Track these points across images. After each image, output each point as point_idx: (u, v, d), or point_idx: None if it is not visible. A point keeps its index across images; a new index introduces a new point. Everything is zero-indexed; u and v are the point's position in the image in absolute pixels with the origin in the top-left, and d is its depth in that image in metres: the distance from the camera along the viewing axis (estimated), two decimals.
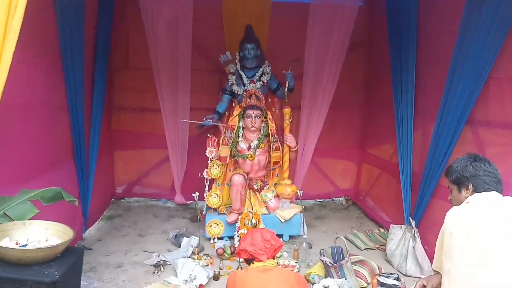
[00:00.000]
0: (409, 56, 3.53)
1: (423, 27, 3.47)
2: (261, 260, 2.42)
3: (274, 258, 2.53)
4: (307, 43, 4.23)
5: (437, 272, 1.89)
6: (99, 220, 4.20)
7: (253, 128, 3.75)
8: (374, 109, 4.69)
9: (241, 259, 2.62)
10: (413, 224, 3.30)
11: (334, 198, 5.13)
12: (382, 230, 4.05)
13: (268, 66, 4.06)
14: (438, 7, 3.33)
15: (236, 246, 3.49)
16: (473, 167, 1.84)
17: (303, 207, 3.86)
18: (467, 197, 1.83)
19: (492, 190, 1.80)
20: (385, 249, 3.52)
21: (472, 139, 2.94)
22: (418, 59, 3.49)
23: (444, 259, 1.72)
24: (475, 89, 2.79)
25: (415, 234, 3.25)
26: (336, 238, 3.08)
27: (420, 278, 3.07)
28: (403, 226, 3.41)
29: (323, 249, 2.98)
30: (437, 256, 1.83)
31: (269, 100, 4.13)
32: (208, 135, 3.82)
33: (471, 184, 1.84)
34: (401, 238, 3.34)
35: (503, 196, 1.79)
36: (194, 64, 4.31)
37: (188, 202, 4.65)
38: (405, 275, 3.19)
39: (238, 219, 3.66)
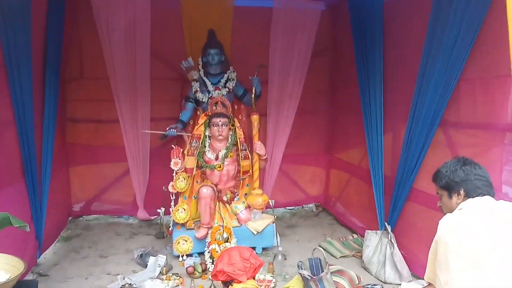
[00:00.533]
0: (375, 59, 3.50)
1: (389, 28, 3.46)
2: (240, 281, 2.24)
3: (254, 278, 2.35)
4: (271, 48, 4.18)
5: (429, 284, 1.78)
6: (55, 241, 3.91)
7: (220, 137, 3.61)
8: (341, 114, 4.67)
9: (218, 282, 2.41)
10: (389, 229, 3.24)
11: (304, 205, 5.08)
12: (356, 236, 3.99)
13: (233, 72, 3.97)
14: (405, 6, 3.31)
15: (207, 262, 3.31)
16: (464, 171, 1.76)
17: (275, 216, 3.72)
18: (459, 203, 1.75)
19: (484, 195, 1.72)
20: (361, 256, 3.44)
21: (444, 141, 2.93)
22: (385, 61, 3.47)
23: (439, 270, 1.62)
24: (446, 90, 2.78)
25: (392, 240, 3.19)
26: (314, 249, 2.94)
27: (400, 285, 3.03)
28: (378, 231, 3.35)
29: (301, 262, 2.84)
30: (430, 267, 1.73)
31: (236, 107, 4.04)
32: (172, 146, 3.65)
33: (462, 189, 1.75)
34: (377, 244, 3.27)
35: (496, 200, 1.72)
36: (153, 72, 4.16)
37: (152, 218, 4.47)
38: (384, 283, 3.12)
39: (208, 233, 3.48)
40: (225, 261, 2.28)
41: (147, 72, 4.10)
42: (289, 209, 4.98)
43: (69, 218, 4.48)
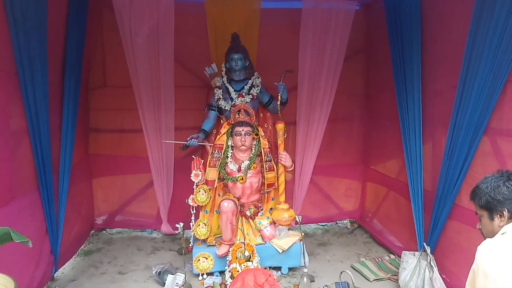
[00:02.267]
0: (413, 60, 3.37)
1: (428, 26, 3.30)
2: None
3: None
4: (301, 51, 4.03)
5: None
6: (75, 256, 3.90)
7: (243, 147, 3.52)
8: (377, 121, 4.54)
9: None
10: (428, 250, 3.00)
11: (337, 221, 4.93)
12: (392, 256, 3.77)
13: (258, 78, 3.91)
14: (444, 2, 3.13)
15: (228, 283, 3.17)
16: (508, 187, 1.54)
17: (302, 234, 3.55)
18: (502, 225, 1.52)
19: None
20: (397, 280, 3.21)
21: (491, 151, 2.68)
22: (423, 62, 3.32)
23: None
24: (492, 93, 2.54)
25: (431, 263, 2.94)
26: (341, 272, 2.74)
27: None
28: (416, 253, 3.13)
29: (326, 286, 2.65)
30: None
31: (261, 115, 3.98)
32: (193, 156, 3.56)
33: (506, 210, 1.53)
34: (415, 267, 3.03)
35: None
36: (177, 80, 4.11)
37: (176, 232, 4.35)
38: None
39: (229, 251, 3.35)
40: (237, 286, 2.14)
41: (171, 79, 4.05)
42: (321, 225, 4.83)
43: (92, 231, 4.51)
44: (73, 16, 3.44)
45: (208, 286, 3.16)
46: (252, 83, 3.84)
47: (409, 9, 3.38)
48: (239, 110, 3.61)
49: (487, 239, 1.52)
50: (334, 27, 3.99)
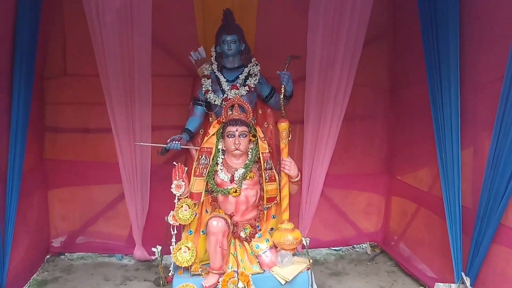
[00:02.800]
0: (449, 45, 3.40)
1: (468, 5, 3.34)
2: None
3: None
4: (310, 33, 4.07)
5: None
6: (25, 287, 3.88)
7: (237, 152, 3.52)
8: (405, 120, 4.59)
9: None
10: (468, 282, 3.02)
11: (355, 245, 4.96)
12: None
13: (257, 65, 3.95)
14: None
15: None
16: None
17: (311, 261, 3.54)
18: None
19: None
20: None
21: None
22: (462, 48, 3.38)
23: None
24: None
25: None
26: None
27: None
28: (453, 285, 3.15)
29: None
30: None
31: (259, 111, 4.03)
32: (175, 163, 3.55)
33: None
34: None
35: None
36: (156, 67, 4.13)
37: (153, 258, 4.45)
38: None
39: (218, 282, 3.34)
40: None
41: (148, 66, 4.06)
42: (335, 250, 4.85)
43: (47, 256, 4.50)
44: None
45: None
46: (249, 71, 3.86)
47: None
48: (232, 105, 3.59)
49: None
50: (351, 4, 3.99)
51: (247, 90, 3.81)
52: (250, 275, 3.36)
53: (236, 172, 3.54)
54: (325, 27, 3.99)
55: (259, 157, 3.59)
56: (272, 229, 3.66)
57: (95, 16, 3.83)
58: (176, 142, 3.67)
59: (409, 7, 3.92)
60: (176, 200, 3.50)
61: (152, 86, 4.11)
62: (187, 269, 3.48)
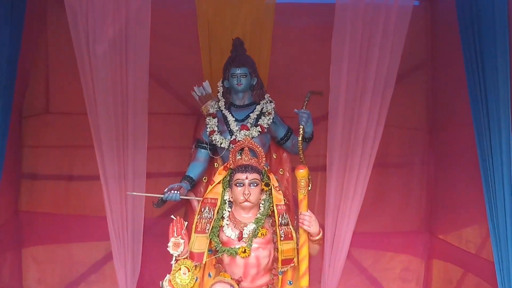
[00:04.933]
0: (498, 79, 3.38)
1: None
2: None
3: None
4: (333, 66, 4.05)
5: None
6: None
7: (246, 203, 3.49)
8: (447, 167, 4.61)
9: None
10: None
11: None
12: None
13: (271, 102, 3.97)
14: None
15: None
16: None
17: None
18: None
19: None
20: None
21: None
22: None
23: None
24: None
25: None
26: None
27: None
28: None
29: None
30: None
31: (274, 156, 4.04)
32: (173, 216, 3.53)
33: None
34: None
35: None
36: (153, 104, 4.16)
37: None
38: None
39: None
40: None
41: (144, 103, 4.06)
42: None
43: None
44: (3, 14, 3.53)
45: None
46: (262, 109, 3.89)
47: (490, 6, 3.43)
48: (242, 149, 3.60)
49: None
50: (382, 31, 4.00)
51: (259, 131, 3.81)
52: None
53: (245, 228, 3.49)
54: (352, 58, 3.98)
55: (273, 210, 3.57)
56: None
57: (84, 45, 3.87)
58: (175, 191, 3.66)
59: (451, 35, 3.94)
60: (173, 261, 3.46)
61: (149, 126, 4.07)
62: None
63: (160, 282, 3.53)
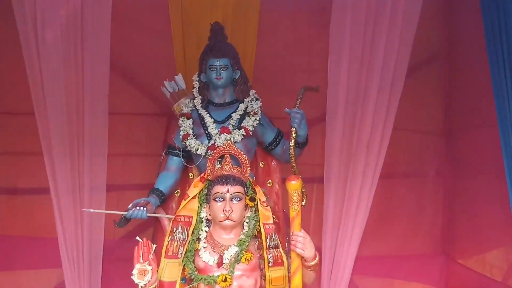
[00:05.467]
0: None
1: None
2: None
3: None
4: (332, 56, 4.10)
5: None
6: None
7: (227, 222, 3.44)
8: (466, 177, 4.65)
9: None
10: None
11: None
12: None
13: (257, 100, 3.99)
14: None
15: None
16: None
17: None
18: None
19: None
20: None
21: None
22: None
23: None
24: None
25: None
26: None
27: None
28: None
29: None
30: None
31: (260, 165, 4.06)
32: (138, 238, 3.48)
33: None
34: None
35: None
36: (115, 102, 4.17)
37: None
38: None
39: None
40: None
41: (104, 102, 4.06)
42: None
43: None
44: None
45: None
46: (246, 109, 3.88)
47: None
48: (222, 156, 3.57)
49: None
50: (390, 15, 4.03)
51: (243, 135, 3.79)
52: None
53: (226, 252, 3.45)
54: (353, 47, 4.00)
55: (260, 230, 3.54)
56: None
57: (31, 31, 3.85)
58: (141, 208, 3.62)
59: (472, 21, 3.99)
60: None
61: (110, 129, 4.08)
62: None
63: None
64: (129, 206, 3.64)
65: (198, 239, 3.51)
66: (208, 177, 3.57)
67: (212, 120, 3.84)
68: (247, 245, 3.47)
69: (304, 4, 4.44)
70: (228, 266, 3.41)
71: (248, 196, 3.53)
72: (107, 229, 4.08)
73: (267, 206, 3.61)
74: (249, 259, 3.45)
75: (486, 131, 3.97)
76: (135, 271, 3.38)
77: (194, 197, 3.58)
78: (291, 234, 3.51)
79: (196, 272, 3.43)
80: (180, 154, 3.87)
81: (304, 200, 3.62)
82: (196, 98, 3.93)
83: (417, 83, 4.45)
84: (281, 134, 3.95)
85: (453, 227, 4.80)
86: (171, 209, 3.87)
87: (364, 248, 4.23)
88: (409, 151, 4.72)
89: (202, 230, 3.54)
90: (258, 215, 3.56)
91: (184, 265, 3.45)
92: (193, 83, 3.96)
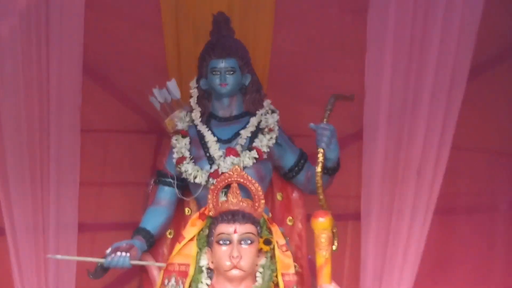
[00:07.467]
0: None
1: None
2: None
3: None
4: (370, 53, 4.09)
5: None
6: None
7: (235, 272, 3.47)
8: None
9: None
10: None
11: None
12: None
13: (273, 112, 4.01)
14: None
15: None
16: None
17: None
18: None
19: None
20: None
21: None
22: None
23: None
24: None
25: None
26: None
27: None
28: None
29: None
30: None
31: (278, 197, 4.07)
32: None
33: None
34: None
35: None
36: (90, 117, 4.28)
37: None
38: None
39: None
40: None
41: (75, 115, 4.14)
42: None
43: None
44: None
45: None
46: (259, 124, 3.91)
47: None
48: (228, 186, 3.61)
49: None
50: (446, 2, 4.08)
51: (255, 158, 3.81)
52: None
53: None
54: (399, 42, 4.04)
55: (277, 282, 3.57)
56: None
57: None
58: (123, 254, 3.63)
59: None
60: None
61: (83, 150, 4.13)
62: None
63: None
64: (108, 251, 3.66)
65: None
66: (210, 213, 3.60)
67: (215, 139, 3.85)
68: None
69: None
70: None
71: (262, 238, 3.55)
72: (79, 281, 4.09)
73: (286, 250, 3.64)
74: None
75: None
76: None
77: (191, 240, 3.62)
78: (318, 286, 3.56)
79: None
80: (174, 183, 3.89)
81: (335, 243, 3.64)
82: (194, 111, 3.95)
83: (484, 88, 4.44)
84: (305, 156, 3.96)
85: None
86: (162, 255, 3.90)
87: None
88: (474, 177, 4.69)
89: (202, 282, 3.57)
90: (275, 262, 3.59)
91: None
92: (190, 91, 3.98)
